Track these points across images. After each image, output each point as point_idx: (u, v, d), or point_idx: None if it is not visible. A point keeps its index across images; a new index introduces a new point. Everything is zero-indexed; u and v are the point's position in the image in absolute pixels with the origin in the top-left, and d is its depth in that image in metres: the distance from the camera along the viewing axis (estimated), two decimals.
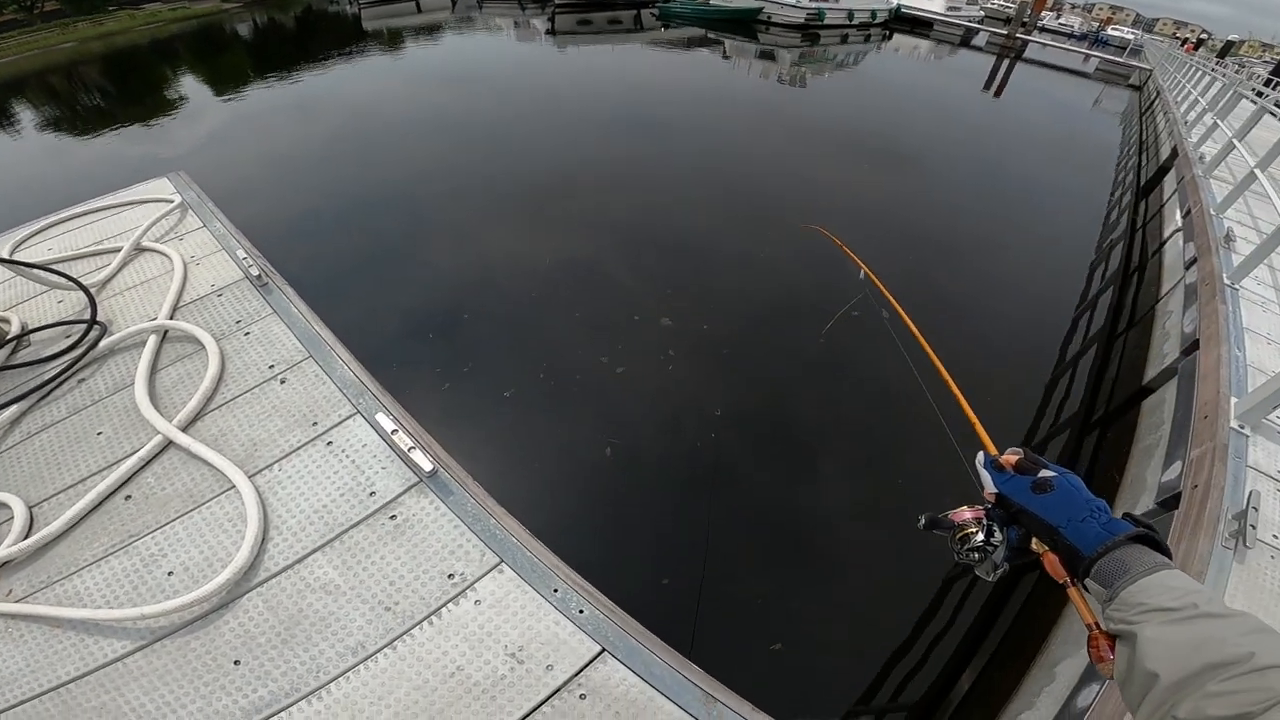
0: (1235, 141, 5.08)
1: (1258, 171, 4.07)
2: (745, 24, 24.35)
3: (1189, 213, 4.78)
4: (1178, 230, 4.86)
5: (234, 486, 1.94)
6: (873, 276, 2.08)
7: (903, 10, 32.49)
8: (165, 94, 14.85)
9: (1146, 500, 2.63)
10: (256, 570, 1.76)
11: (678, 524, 3.31)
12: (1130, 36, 40.51)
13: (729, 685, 1.55)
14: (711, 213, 7.04)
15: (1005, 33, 31.38)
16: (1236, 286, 3.45)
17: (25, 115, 13.96)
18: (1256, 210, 4.81)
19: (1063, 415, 4.25)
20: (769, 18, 24.64)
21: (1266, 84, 14.34)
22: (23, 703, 1.57)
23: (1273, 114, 4.86)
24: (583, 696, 1.51)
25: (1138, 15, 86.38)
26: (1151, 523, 0.65)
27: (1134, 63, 26.21)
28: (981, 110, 16.10)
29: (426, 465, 1.94)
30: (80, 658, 1.64)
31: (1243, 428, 2.43)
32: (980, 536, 0.76)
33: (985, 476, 0.80)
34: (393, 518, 1.87)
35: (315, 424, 2.16)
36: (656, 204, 7.17)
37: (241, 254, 2.98)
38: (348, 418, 2.17)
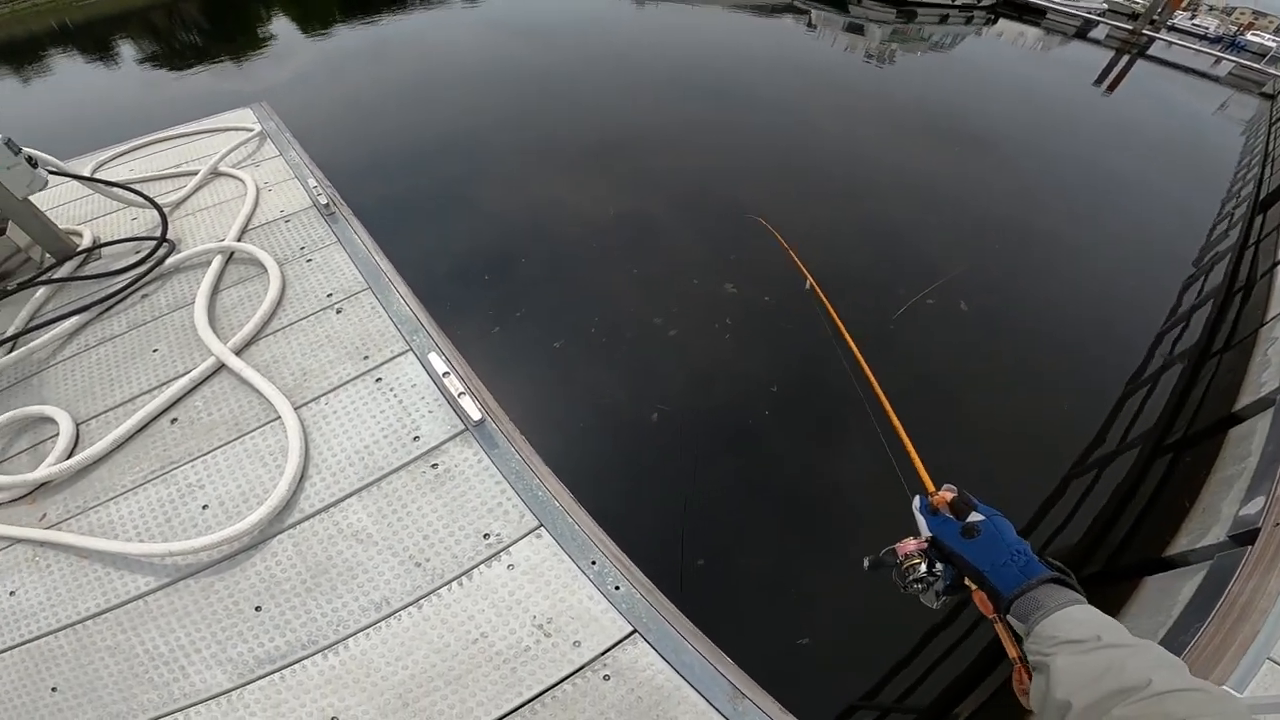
0: None
1: None
2: None
3: None
4: None
5: (279, 417, 1.94)
6: (817, 289, 2.01)
7: None
8: (257, 32, 15.38)
9: (1218, 531, 2.46)
10: (291, 510, 1.74)
11: (720, 501, 3.20)
12: (1272, 44, 36.52)
13: (754, 674, 1.48)
14: (779, 185, 6.76)
15: (1130, 28, 28.54)
16: None
17: (126, 50, 14.74)
18: None
19: (1133, 432, 3.91)
20: None
21: None
22: (39, 638, 1.58)
23: None
24: (606, 678, 1.45)
25: None
26: (1064, 566, 0.71)
27: (1272, 70, 23.49)
28: (1087, 105, 14.78)
29: (475, 414, 1.88)
30: (103, 592, 1.64)
31: None
32: (924, 567, 0.80)
33: (920, 521, 0.85)
34: (434, 466, 1.83)
35: (366, 358, 2.14)
36: (727, 169, 6.95)
37: (312, 183, 3.03)
38: (399, 354, 2.14)
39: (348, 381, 2.07)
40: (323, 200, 2.85)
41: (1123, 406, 4.14)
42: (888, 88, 13.16)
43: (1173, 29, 35.88)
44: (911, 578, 0.81)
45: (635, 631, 1.51)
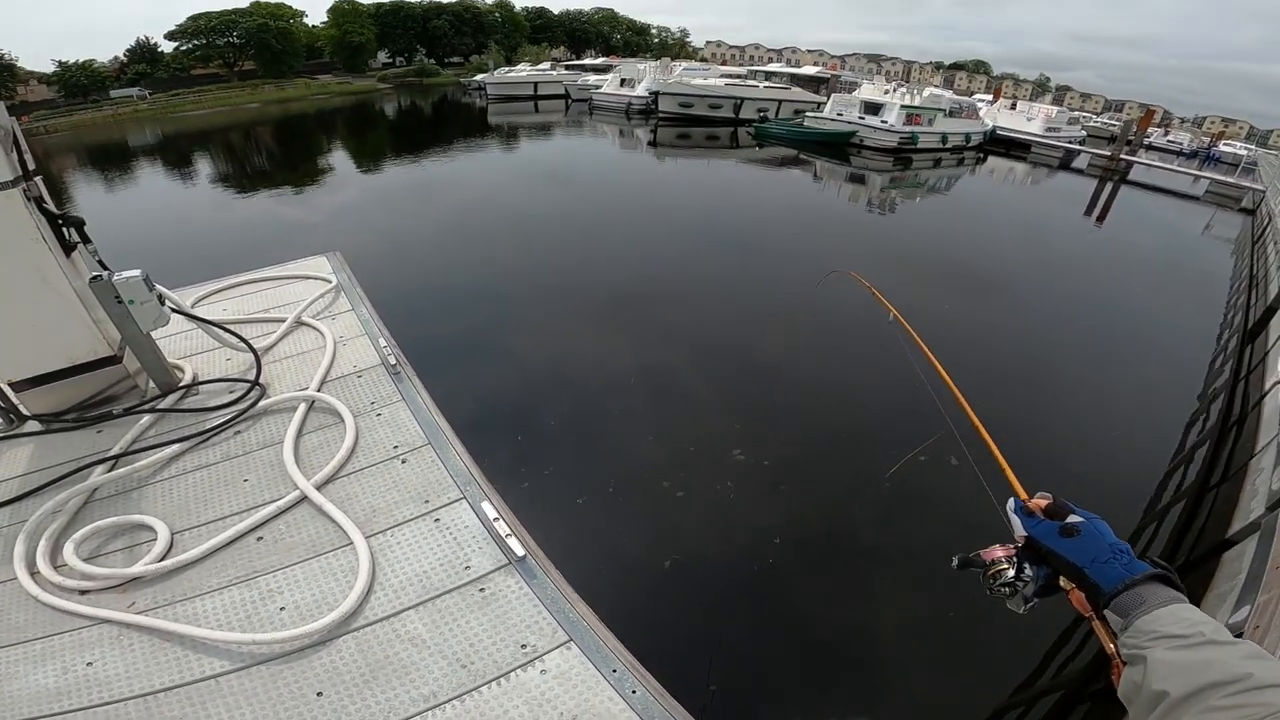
0: None
1: None
2: (838, 147, 25.10)
3: None
4: (1278, 383, 4.60)
5: (351, 543, 2.22)
6: (901, 320, 2.19)
7: (998, 132, 32.75)
8: (318, 163, 17.30)
9: None
10: (356, 617, 1.98)
11: (730, 632, 3.46)
12: (1244, 152, 38.00)
13: None
14: (790, 337, 7.31)
15: (1108, 153, 30.50)
16: None
17: (203, 167, 16.65)
18: None
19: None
20: (861, 141, 25.24)
21: None
22: (108, 704, 1.73)
23: None
24: None
25: (1251, 127, 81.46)
26: (1168, 565, 0.72)
27: (1245, 183, 24.33)
28: (1083, 239, 15.67)
29: (519, 551, 2.18)
30: (179, 670, 1.81)
31: None
32: (1011, 573, 0.83)
33: (1015, 521, 0.87)
34: (482, 590, 2.09)
35: (427, 502, 2.44)
36: (739, 321, 7.58)
37: (383, 342, 3.46)
38: (455, 501, 2.45)
39: (410, 520, 2.36)
40: (391, 361, 3.27)
41: (1139, 536, 4.31)
42: (891, 233, 14.08)
43: (1150, 148, 38.12)
44: (999, 581, 0.83)
45: None
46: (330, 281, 4.17)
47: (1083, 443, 5.46)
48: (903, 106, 25.01)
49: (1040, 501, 0.88)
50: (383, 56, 50.00)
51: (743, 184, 18.06)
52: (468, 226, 10.71)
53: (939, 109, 26.95)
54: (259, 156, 20.08)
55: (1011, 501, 0.91)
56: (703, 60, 65.23)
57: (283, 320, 3.68)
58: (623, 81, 32.45)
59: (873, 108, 25.66)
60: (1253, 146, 48.38)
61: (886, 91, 26.67)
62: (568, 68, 42.56)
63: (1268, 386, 4.84)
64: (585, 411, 5.44)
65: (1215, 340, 8.24)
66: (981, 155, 30.14)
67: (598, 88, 33.15)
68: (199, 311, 3.82)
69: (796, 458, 5.01)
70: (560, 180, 15.12)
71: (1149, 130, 39.44)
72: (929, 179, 22.02)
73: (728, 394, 5.93)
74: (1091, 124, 45.36)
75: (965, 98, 35.39)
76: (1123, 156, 29.66)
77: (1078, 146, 32.46)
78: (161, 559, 2.16)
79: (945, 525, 4.38)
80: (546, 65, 41.34)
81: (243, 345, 3.27)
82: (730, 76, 33.96)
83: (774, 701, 3.05)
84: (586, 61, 46.87)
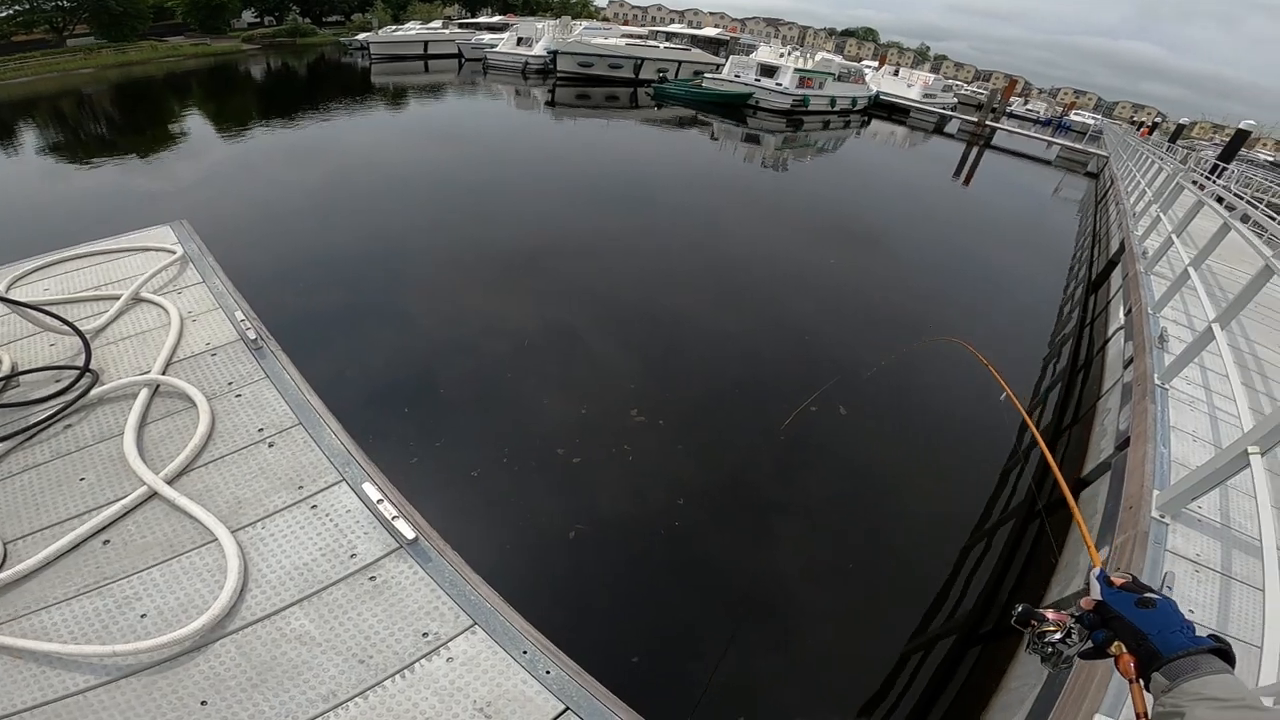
0: (1174, 237, 5.28)
1: (1191, 270, 4.27)
2: (735, 108, 25.82)
3: (1130, 310, 5.07)
4: (1120, 328, 5.16)
5: (216, 539, 1.99)
6: (1013, 398, 2.27)
7: (881, 97, 34.67)
8: (170, 128, 15.19)
9: (1078, 582, 2.84)
10: (232, 618, 1.81)
11: (637, 599, 3.47)
12: (1091, 121, 42.86)
13: None
14: (686, 297, 7.33)
15: (976, 119, 33.47)
16: (1166, 386, 3.66)
17: (29, 138, 14.17)
18: (1192, 308, 5.09)
19: (1011, 504, 4.47)
20: (757, 103, 26.21)
21: (1213, 170, 15.30)
22: None
23: (1211, 207, 5.15)
24: None
25: (1099, 99, 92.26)
26: (1228, 642, 0.80)
27: (1090, 149, 27.69)
28: (952, 198, 17.08)
29: (409, 534, 2.04)
30: (39, 688, 1.62)
31: (1163, 517, 2.62)
32: (1058, 636, 0.94)
33: (1095, 586, 0.96)
34: (372, 579, 1.95)
35: (301, 488, 2.23)
36: (635, 281, 7.48)
37: (240, 315, 3.08)
38: (333, 484, 2.25)
39: (283, 509, 2.16)
40: (251, 335, 2.91)
41: (1005, 479, 4.74)
42: (784, 189, 14.65)
43: (1011, 115, 42.09)
44: (1046, 640, 0.94)
45: (568, 709, 1.68)
46: (174, 252, 3.65)
47: (947, 387, 5.95)
48: (796, 70, 25.95)
49: (1119, 579, 0.96)
50: (249, 16, 44.33)
51: (642, 144, 17.97)
52: (349, 191, 9.80)
53: (829, 73, 28.18)
54: (97, 125, 17.25)
55: (1097, 570, 0.99)
56: (604, 20, 63.33)
57: (117, 297, 3.19)
58: (519, 40, 30.96)
59: (768, 70, 26.44)
60: (1099, 116, 54.47)
61: (782, 55, 27.41)
62: (461, 26, 39.85)
63: (1110, 332, 5.43)
64: (477, 378, 5.18)
65: (1063, 291, 9.27)
66: (866, 118, 32.03)
67: (493, 47, 31.39)
68: (16, 294, 3.26)
69: (694, 415, 5.03)
70: (451, 141, 14.26)
71: (1011, 99, 43.26)
72: (818, 140, 23.14)
73: (623, 355, 5.84)
74: (963, 91, 49.08)
75: (854, 63, 37.04)
76: (988, 123, 32.69)
77: (950, 113, 35.21)
78: None
79: (839, 473, 4.67)
80: (438, 23, 38.44)
81: (66, 328, 2.80)
82: (631, 37, 33.43)
83: (697, 663, 3.08)
84: (482, 20, 44.06)
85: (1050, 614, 0.96)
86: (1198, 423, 3.49)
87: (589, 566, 3.58)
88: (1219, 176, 13.89)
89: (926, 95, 35.79)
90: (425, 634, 1.82)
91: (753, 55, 28.57)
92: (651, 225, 9.61)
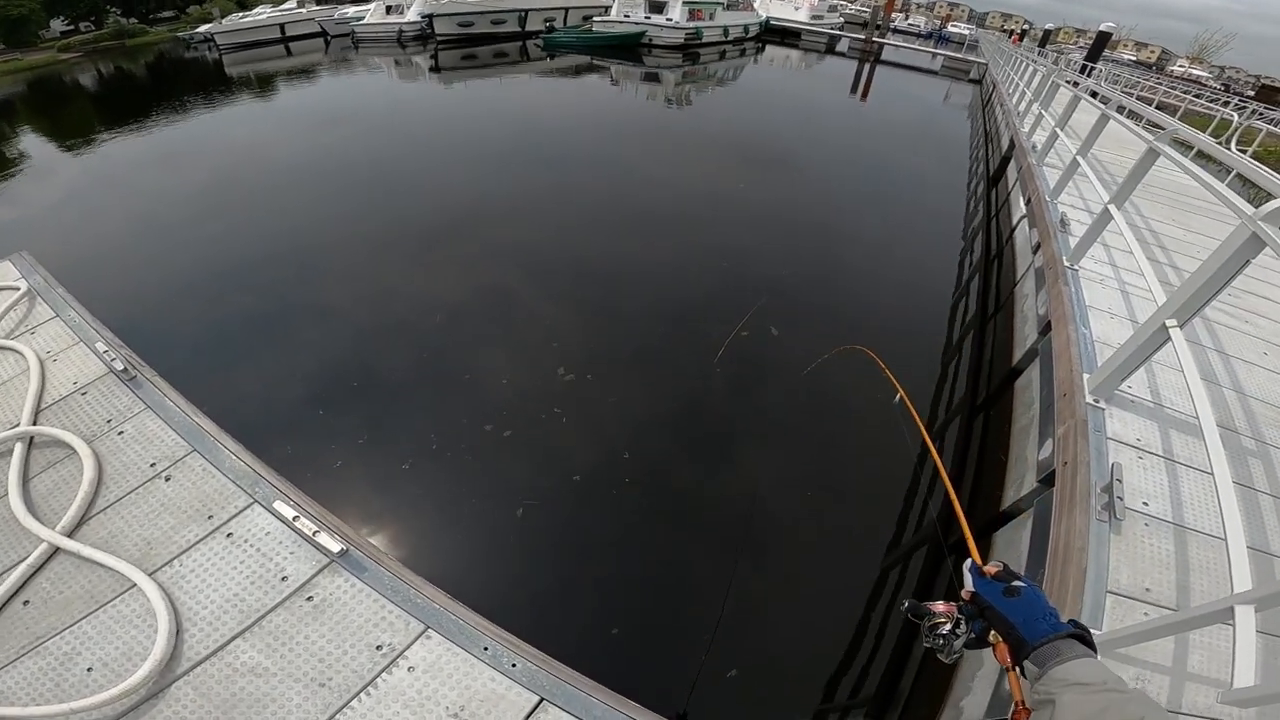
0: (1058, 130, 5.55)
1: (1079, 158, 4.43)
2: (629, 48, 25.09)
3: (1029, 200, 5.28)
4: (1024, 217, 5.38)
5: (135, 585, 1.87)
6: (906, 400, 2.25)
7: (771, 23, 34.49)
8: (4, 151, 13.24)
9: (1030, 479, 2.84)
10: (179, 660, 1.73)
11: (602, 568, 3.35)
12: (966, 32, 44.95)
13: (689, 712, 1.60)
14: (606, 241, 7.11)
15: (864, 37, 34.08)
16: (1076, 268, 3.78)
17: None
18: (1086, 193, 5.35)
19: (955, 400, 4.60)
20: (650, 40, 25.56)
21: (1082, 70, 16.30)
22: None
23: (1088, 101, 5.39)
24: None
25: (971, 10, 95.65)
26: (1087, 628, 0.85)
27: (971, 58, 29.27)
28: (852, 114, 17.36)
29: (335, 546, 1.96)
30: None
31: (1098, 402, 2.63)
32: (948, 627, 0.96)
33: (967, 578, 1.00)
34: (309, 599, 1.87)
35: (211, 517, 2.10)
36: (546, 240, 7.12)
37: (102, 346, 2.75)
38: (245, 508, 2.12)
39: (198, 542, 2.03)
40: (119, 366, 2.62)
41: (943, 380, 4.83)
42: (691, 124, 14.42)
43: (895, 30, 43.17)
44: (936, 633, 0.97)
45: (543, 700, 1.66)
46: (18, 289, 3.17)
47: (877, 289, 6.08)
48: (685, 3, 25.30)
49: (991, 569, 0.99)
50: (59, 25, 38.69)
51: (541, 98, 17.21)
52: (224, 193, 8.74)
53: (718, 3, 27.61)
54: None
55: (969, 563, 1.02)
56: None
57: None
58: (389, 9, 28.54)
59: (657, 6, 25.72)
60: (974, 26, 56.71)
61: None
62: (319, 2, 36.25)
63: (1015, 221, 5.66)
64: (391, 365, 4.81)
65: (966, 188, 9.64)
66: (760, 45, 31.93)
67: (359, 20, 28.87)
68: None
69: (622, 363, 4.85)
70: (336, 124, 13.08)
71: (893, 15, 44.11)
72: (716, 71, 23.02)
73: (541, 314, 5.52)
74: (848, 10, 49.46)
75: None
76: (875, 39, 33.30)
77: (839, 32, 35.63)
78: None
79: (782, 392, 4.62)
80: (292, 3, 34.76)
81: None
82: None
83: (678, 629, 3.01)
84: None
85: (939, 606, 0.99)
86: (1111, 300, 3.61)
87: (544, 543, 3.44)
88: (1088, 75, 14.70)
89: (814, 17, 35.92)
90: (379, 646, 1.76)
91: None
92: (563, 181, 9.22)
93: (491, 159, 10.34)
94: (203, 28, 30.74)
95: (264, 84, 19.69)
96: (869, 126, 15.97)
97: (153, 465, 2.27)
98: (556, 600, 3.12)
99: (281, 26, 30.42)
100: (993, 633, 0.91)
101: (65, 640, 1.78)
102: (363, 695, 1.66)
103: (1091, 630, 1.79)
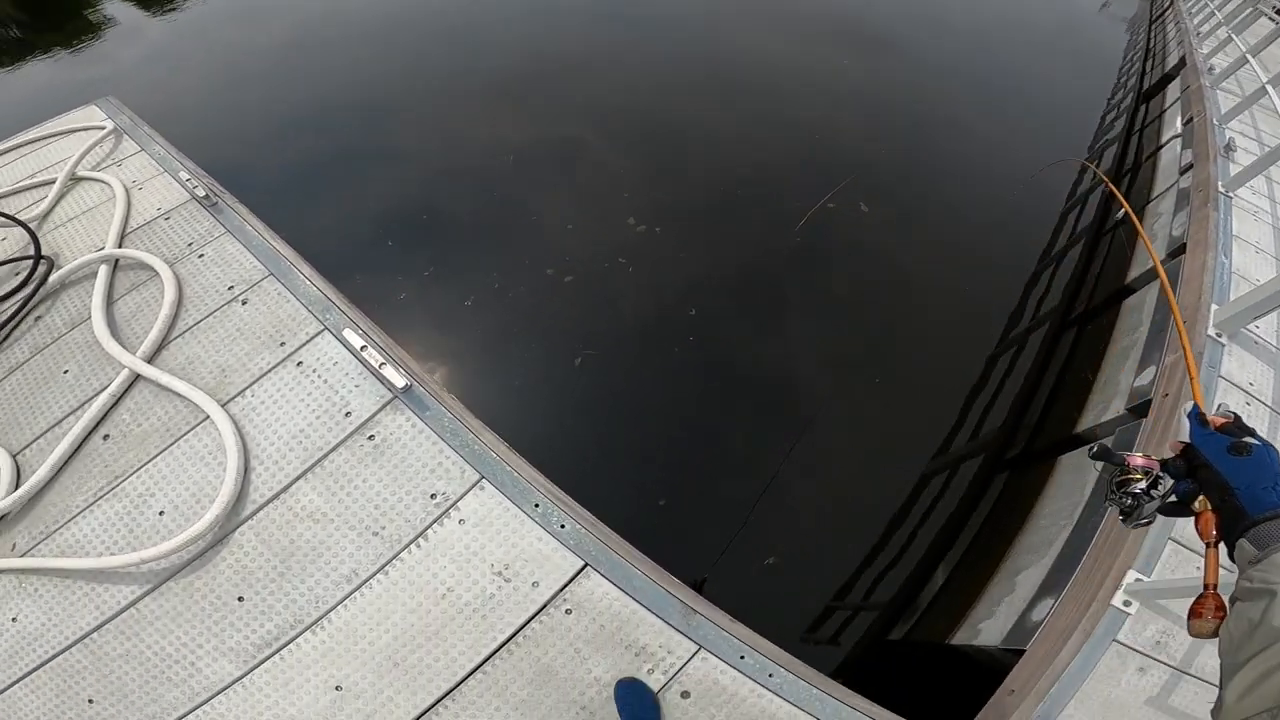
0: (1249, 56, 4.74)
1: (1269, 87, 3.78)
2: None
3: (1190, 120, 4.59)
4: (1176, 136, 4.67)
5: (208, 417, 1.93)
6: (1134, 217, 1.99)
7: None
8: (89, 17, 13.54)
9: (1118, 404, 2.64)
10: (244, 503, 1.79)
11: (656, 431, 3.26)
12: None
13: (720, 595, 1.66)
14: (685, 100, 6.52)
15: None
16: (1231, 195, 3.32)
17: None
18: (1263, 124, 4.60)
19: (1043, 309, 4.17)
20: None
21: None
22: (54, 656, 1.64)
23: None
24: (569, 611, 1.59)
25: None
26: None
27: None
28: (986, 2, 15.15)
29: (399, 381, 1.93)
30: (96, 606, 1.68)
31: (1220, 336, 2.41)
32: (1142, 485, 0.79)
33: (1185, 425, 0.81)
34: (370, 438, 1.88)
35: (283, 344, 2.12)
36: (628, 93, 6.65)
37: (185, 175, 2.82)
38: (315, 335, 2.14)
39: (269, 371, 2.06)
40: (200, 192, 2.67)
41: (1035, 283, 4.37)
42: None
43: None
44: (1126, 490, 0.81)
45: (587, 565, 1.66)
46: (104, 128, 3.27)
47: (982, 192, 5.46)
48: None
49: (1219, 419, 0.79)
50: None
51: None
52: (303, 47, 8.73)
53: None
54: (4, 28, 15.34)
55: (1190, 405, 0.83)
56: None
57: (53, 181, 2.89)
58: None
59: None
60: None
61: None
62: None
63: (1165, 139, 4.92)
64: (460, 202, 4.69)
65: (1107, 101, 8.39)
66: None
67: None
68: None
69: (698, 220, 4.55)
70: None
71: None
72: None
73: (613, 166, 5.18)
74: None
75: None
76: None
77: None
78: (14, 488, 1.87)
79: (868, 274, 4.31)
80: None
81: (8, 222, 2.59)
82: None
83: (727, 509, 2.95)
84: None
85: (1137, 459, 0.81)
86: (1261, 234, 3.19)
87: (600, 398, 3.34)
88: None
89: None
90: (433, 495, 1.77)
91: None
92: (643, 38, 8.59)
93: (570, 12, 9.76)
94: None
95: None
96: (1000, 19, 13.90)
97: (231, 289, 2.31)
98: (608, 460, 3.10)
99: None
100: (1200, 498, 0.74)
101: (140, 480, 1.86)
102: (413, 547, 1.69)
103: (1142, 574, 1.70)
